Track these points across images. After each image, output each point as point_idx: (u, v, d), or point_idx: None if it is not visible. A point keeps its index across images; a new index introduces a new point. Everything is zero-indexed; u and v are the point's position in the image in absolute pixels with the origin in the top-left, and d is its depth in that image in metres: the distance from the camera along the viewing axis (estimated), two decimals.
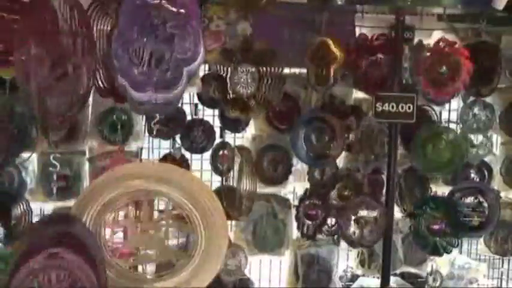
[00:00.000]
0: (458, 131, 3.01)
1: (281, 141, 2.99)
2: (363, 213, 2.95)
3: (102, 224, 2.17)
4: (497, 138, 3.25)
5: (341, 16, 2.80)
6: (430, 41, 2.89)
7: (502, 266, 3.59)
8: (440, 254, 3.01)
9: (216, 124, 2.94)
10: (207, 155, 2.95)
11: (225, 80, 2.81)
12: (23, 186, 2.61)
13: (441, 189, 3.12)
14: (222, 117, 2.88)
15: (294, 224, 3.02)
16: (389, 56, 2.78)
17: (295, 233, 3.07)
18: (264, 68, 2.50)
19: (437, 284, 3.22)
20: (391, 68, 2.78)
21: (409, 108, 2.70)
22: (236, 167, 2.81)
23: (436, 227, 2.91)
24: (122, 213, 2.29)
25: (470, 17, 2.81)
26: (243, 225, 3.01)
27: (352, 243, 2.95)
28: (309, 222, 2.93)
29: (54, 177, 2.62)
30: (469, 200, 3.02)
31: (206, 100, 2.84)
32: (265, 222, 2.98)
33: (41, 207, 2.75)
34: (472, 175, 3.11)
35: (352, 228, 2.88)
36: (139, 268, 2.44)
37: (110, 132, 2.70)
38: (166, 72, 2.04)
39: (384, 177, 2.95)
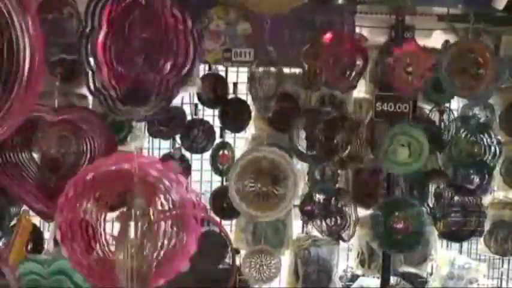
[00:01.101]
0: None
1: (281, 141, 2.98)
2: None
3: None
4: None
5: (341, 16, 2.80)
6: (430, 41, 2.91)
7: (502, 266, 3.59)
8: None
9: (216, 124, 2.95)
10: (207, 155, 2.96)
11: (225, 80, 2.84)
12: None
13: None
14: (222, 117, 2.89)
15: (294, 224, 3.03)
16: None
17: (295, 233, 3.08)
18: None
19: None
20: None
21: (406, 108, 2.71)
22: None
23: (399, 226, 2.90)
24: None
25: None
26: (243, 225, 3.01)
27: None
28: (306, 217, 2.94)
29: None
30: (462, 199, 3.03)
31: (206, 100, 2.85)
32: (265, 222, 2.98)
33: None
34: (472, 175, 3.11)
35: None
36: None
37: None
38: None
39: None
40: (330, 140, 2.84)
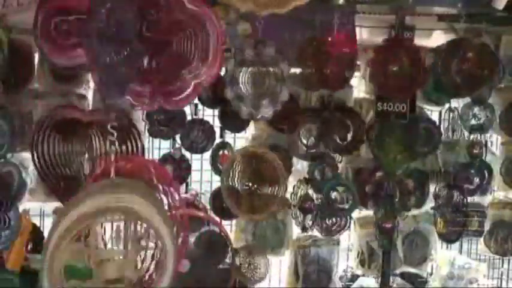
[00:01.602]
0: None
1: (281, 141, 2.99)
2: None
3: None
4: (497, 138, 3.26)
5: (341, 16, 2.80)
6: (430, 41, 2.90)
7: (502, 266, 3.60)
8: None
9: (216, 124, 2.95)
10: (207, 155, 2.96)
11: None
12: (23, 186, 2.60)
13: None
14: (222, 117, 2.89)
15: (294, 224, 3.03)
16: None
17: (295, 233, 3.08)
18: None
19: None
20: None
21: (403, 108, 2.72)
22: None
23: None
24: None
25: (470, 17, 2.80)
26: (243, 225, 3.01)
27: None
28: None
29: None
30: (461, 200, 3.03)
31: (206, 100, 2.85)
32: (265, 222, 2.98)
33: (41, 207, 2.75)
34: (472, 175, 3.11)
35: None
36: None
37: None
38: None
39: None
40: (343, 139, 2.85)
